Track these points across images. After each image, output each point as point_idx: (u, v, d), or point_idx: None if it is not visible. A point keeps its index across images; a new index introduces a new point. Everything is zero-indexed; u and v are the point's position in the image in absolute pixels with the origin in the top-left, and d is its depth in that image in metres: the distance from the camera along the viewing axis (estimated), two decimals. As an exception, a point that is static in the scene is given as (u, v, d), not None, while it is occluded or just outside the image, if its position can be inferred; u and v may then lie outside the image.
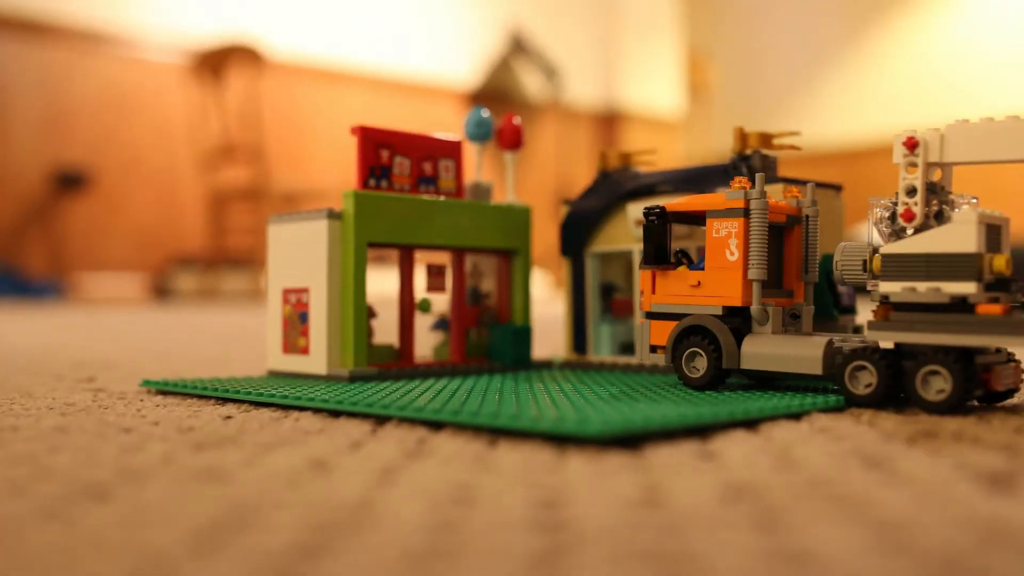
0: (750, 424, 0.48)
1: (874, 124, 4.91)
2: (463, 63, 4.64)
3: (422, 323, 0.78)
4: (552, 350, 1.06)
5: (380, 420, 0.52)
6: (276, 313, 0.74)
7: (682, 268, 0.63)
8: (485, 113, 0.81)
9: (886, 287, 0.53)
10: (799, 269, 0.63)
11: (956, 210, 0.53)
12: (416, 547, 0.27)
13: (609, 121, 5.20)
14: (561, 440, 0.44)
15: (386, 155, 0.73)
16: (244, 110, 3.32)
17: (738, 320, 0.60)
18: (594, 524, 0.29)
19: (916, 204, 0.53)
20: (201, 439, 0.46)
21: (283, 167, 3.87)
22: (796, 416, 0.51)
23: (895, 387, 0.53)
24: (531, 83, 4.80)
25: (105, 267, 3.56)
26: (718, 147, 5.89)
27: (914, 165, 0.53)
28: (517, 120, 0.84)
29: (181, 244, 3.74)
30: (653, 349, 0.63)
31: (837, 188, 0.73)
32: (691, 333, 0.61)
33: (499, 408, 0.50)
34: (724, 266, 0.60)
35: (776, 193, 0.67)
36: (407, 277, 0.74)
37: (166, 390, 0.67)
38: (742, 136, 0.71)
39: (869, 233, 0.56)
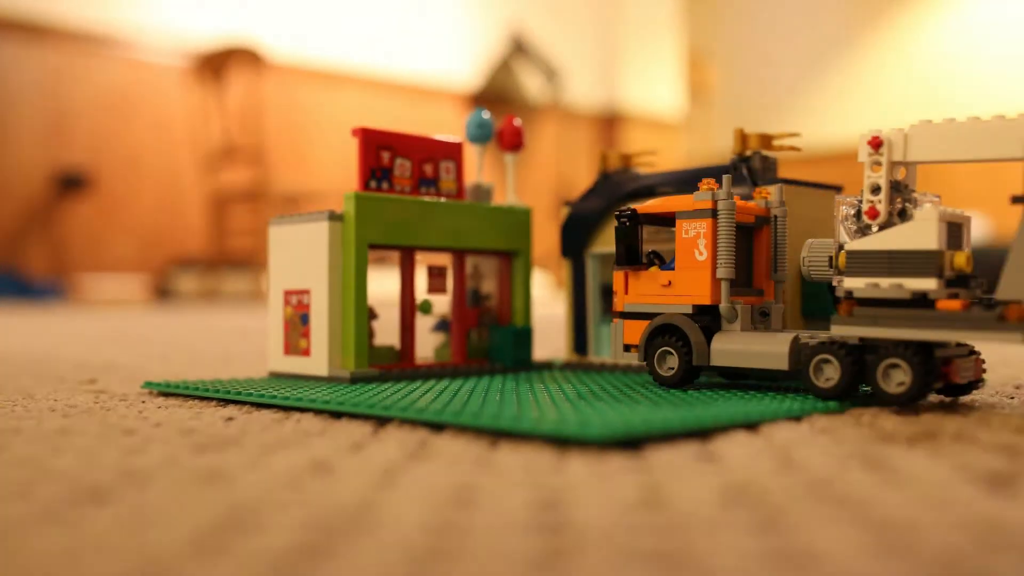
0: (750, 426, 0.48)
1: (874, 125, 4.90)
2: (464, 65, 4.64)
3: (423, 324, 0.78)
4: (553, 351, 1.06)
5: (381, 421, 0.52)
6: (277, 314, 0.74)
7: (653, 268, 0.64)
8: (486, 114, 0.81)
9: (850, 283, 0.54)
10: (768, 268, 0.64)
11: (918, 208, 0.54)
12: (417, 548, 0.27)
13: (609, 122, 5.20)
14: (562, 442, 0.44)
15: (387, 157, 0.73)
16: (245, 112, 3.32)
17: (708, 318, 0.62)
18: (595, 526, 0.29)
19: (880, 202, 0.54)
20: (203, 441, 0.46)
21: (284, 168, 3.87)
22: (796, 418, 0.51)
23: (858, 380, 0.54)
24: (532, 84, 4.80)
25: (106, 268, 3.57)
26: (718, 148, 5.89)
27: (878, 164, 0.55)
28: (518, 121, 0.84)
29: (182, 245, 3.74)
30: (627, 348, 0.65)
31: (837, 189, 0.73)
32: (662, 332, 0.63)
33: (500, 410, 0.50)
34: (693, 266, 0.62)
35: (775, 193, 0.68)
36: (408, 278, 0.75)
37: (168, 392, 0.67)
38: (742, 137, 0.71)
39: (836, 230, 0.57)
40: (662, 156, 1.17)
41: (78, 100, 3.51)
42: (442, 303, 0.79)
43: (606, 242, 0.79)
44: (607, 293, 0.81)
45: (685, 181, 0.74)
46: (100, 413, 0.57)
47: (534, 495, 0.33)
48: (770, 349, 0.58)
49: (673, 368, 0.62)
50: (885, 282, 0.53)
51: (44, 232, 3.46)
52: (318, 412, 0.56)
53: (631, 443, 0.43)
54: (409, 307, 0.74)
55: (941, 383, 0.54)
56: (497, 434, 0.46)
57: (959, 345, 0.55)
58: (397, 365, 0.73)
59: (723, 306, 0.61)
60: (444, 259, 0.78)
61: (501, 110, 4.32)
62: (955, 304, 0.51)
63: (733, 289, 0.62)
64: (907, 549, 0.26)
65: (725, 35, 6.01)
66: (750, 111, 5.76)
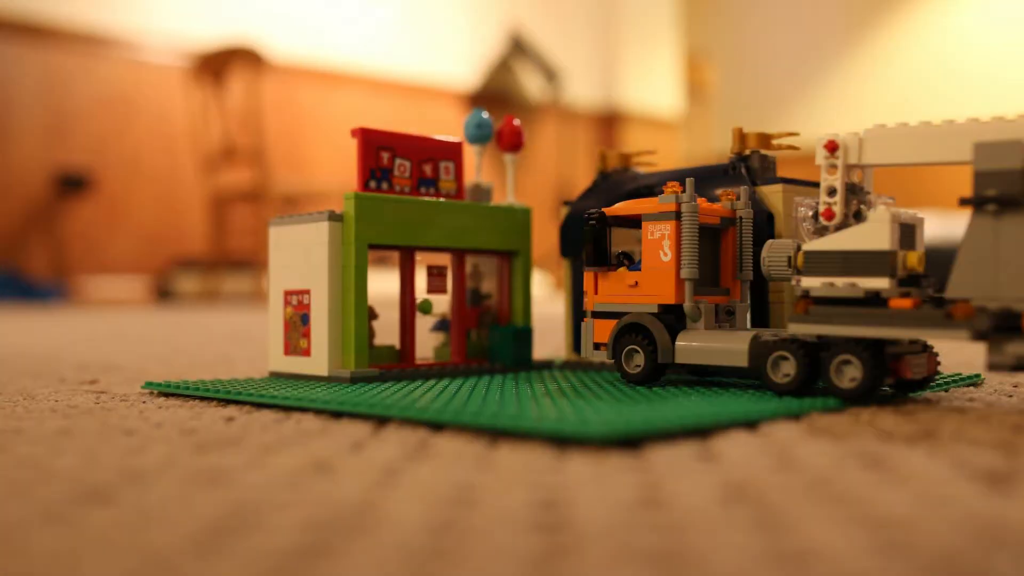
0: (750, 425, 0.48)
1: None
2: (463, 65, 4.64)
3: (423, 324, 0.78)
4: (552, 351, 1.06)
5: (381, 421, 0.52)
6: (277, 315, 0.74)
7: (622, 269, 0.66)
8: (485, 115, 0.81)
9: (807, 282, 0.56)
10: (734, 268, 0.66)
11: (872, 210, 0.55)
12: (417, 548, 0.27)
13: (609, 122, 5.20)
14: (562, 441, 0.44)
15: (386, 157, 0.73)
16: (245, 112, 3.32)
17: (672, 317, 0.64)
18: (595, 524, 0.29)
19: (836, 204, 0.56)
20: (203, 441, 0.46)
21: (284, 169, 3.87)
22: (795, 416, 0.51)
23: (813, 376, 0.56)
24: (531, 84, 4.80)
25: (107, 269, 3.57)
26: (717, 147, 5.89)
27: (834, 167, 0.56)
28: (517, 121, 0.84)
29: (182, 246, 3.74)
30: (596, 346, 0.67)
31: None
32: (630, 331, 0.64)
33: (500, 409, 0.50)
34: (659, 266, 0.64)
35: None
36: (408, 278, 0.75)
37: (168, 392, 0.67)
38: (741, 136, 0.71)
39: (794, 230, 0.59)
40: (661, 156, 1.17)
41: (79, 101, 3.52)
42: (442, 303, 0.79)
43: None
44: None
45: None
46: (101, 413, 0.57)
47: (534, 494, 0.33)
48: (730, 347, 0.60)
49: (640, 366, 0.64)
50: (840, 281, 0.55)
51: (45, 233, 3.46)
52: (318, 412, 0.56)
53: (631, 442, 0.43)
54: (409, 307, 0.75)
55: (892, 379, 0.55)
56: (497, 433, 0.46)
57: (913, 342, 0.56)
58: (397, 365, 0.73)
59: (687, 305, 0.63)
60: (444, 259, 0.78)
61: (500, 110, 4.32)
62: (906, 302, 0.52)
63: (699, 288, 0.64)
64: (906, 547, 0.26)
65: (724, 35, 6.01)
66: (749, 111, 5.76)
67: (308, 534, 0.28)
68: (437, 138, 0.77)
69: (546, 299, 3.48)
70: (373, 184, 0.72)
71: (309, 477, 0.37)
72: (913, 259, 0.54)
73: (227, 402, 0.62)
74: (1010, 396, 0.60)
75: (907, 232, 0.55)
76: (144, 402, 0.63)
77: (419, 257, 0.76)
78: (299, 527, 0.29)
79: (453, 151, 0.78)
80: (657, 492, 0.33)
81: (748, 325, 0.67)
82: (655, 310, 0.64)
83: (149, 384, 0.69)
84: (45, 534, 0.29)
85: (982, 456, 0.39)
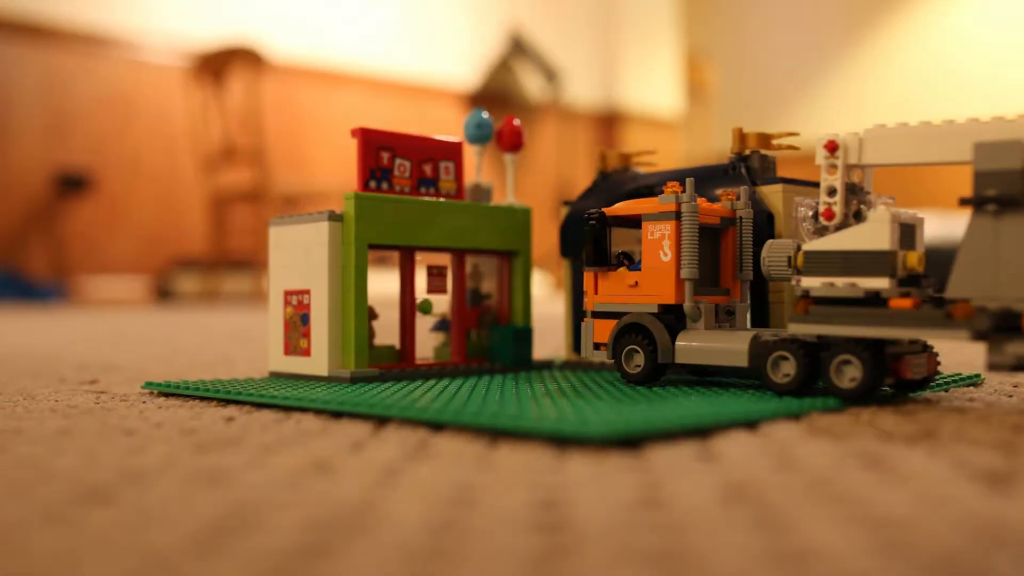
0: (750, 425, 0.48)
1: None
2: (463, 65, 4.64)
3: (423, 324, 0.78)
4: (552, 351, 1.06)
5: (381, 421, 0.52)
6: (277, 315, 0.74)
7: (622, 269, 0.66)
8: (485, 115, 0.81)
9: (807, 282, 0.56)
10: (734, 268, 0.66)
11: (872, 210, 0.56)
12: (417, 548, 0.27)
13: (609, 122, 5.20)
14: (562, 441, 0.44)
15: (386, 157, 0.73)
16: (245, 112, 3.32)
17: (672, 317, 0.64)
18: (595, 524, 0.29)
19: (836, 204, 0.56)
20: (203, 441, 0.46)
21: (284, 169, 3.87)
22: (795, 416, 0.51)
23: (813, 376, 0.56)
24: (531, 84, 4.80)
25: (107, 269, 3.57)
26: (717, 147, 5.89)
27: (834, 167, 0.56)
28: (517, 121, 0.84)
29: (182, 246, 3.74)
30: (596, 346, 0.67)
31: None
32: (630, 331, 0.64)
33: (500, 409, 0.50)
34: (659, 266, 0.64)
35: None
36: (408, 278, 0.75)
37: (168, 392, 0.67)
38: (741, 136, 0.71)
39: (794, 230, 0.59)
40: (661, 156, 1.17)
41: (79, 101, 3.52)
42: (442, 303, 0.79)
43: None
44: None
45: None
46: (101, 413, 0.57)
47: (534, 494, 0.33)
48: (730, 346, 0.60)
49: (640, 366, 0.64)
50: (840, 281, 0.55)
51: (45, 233, 3.46)
52: (318, 412, 0.56)
53: (631, 442, 0.43)
54: (409, 307, 0.75)
55: (892, 379, 0.55)
56: (497, 433, 0.46)
57: (913, 342, 0.56)
58: (397, 365, 0.73)
59: (687, 305, 0.63)
60: (444, 259, 0.78)
61: (500, 110, 4.32)
62: (906, 302, 0.52)
63: (699, 288, 0.64)
64: (906, 547, 0.26)
65: (724, 35, 6.01)
66: (749, 111, 5.76)
67: (308, 534, 0.28)
68: (437, 138, 0.77)
69: (546, 299, 3.48)
70: (373, 184, 0.72)
71: (309, 477, 0.37)
72: (913, 259, 0.54)
73: (227, 402, 0.62)
74: (1010, 396, 0.60)
75: (907, 232, 0.55)
76: (144, 402, 0.63)
77: (419, 257, 0.76)
78: (299, 527, 0.29)
79: (453, 151, 0.78)
80: (657, 492, 0.33)
81: (748, 325, 0.67)
82: (655, 310, 0.64)
83: (149, 384, 0.69)
84: (45, 534, 0.29)
85: (982, 456, 0.39)
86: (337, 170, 4.12)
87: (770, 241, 0.60)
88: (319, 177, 3.99)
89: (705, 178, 0.73)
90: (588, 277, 0.68)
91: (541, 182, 4.78)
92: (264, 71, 3.34)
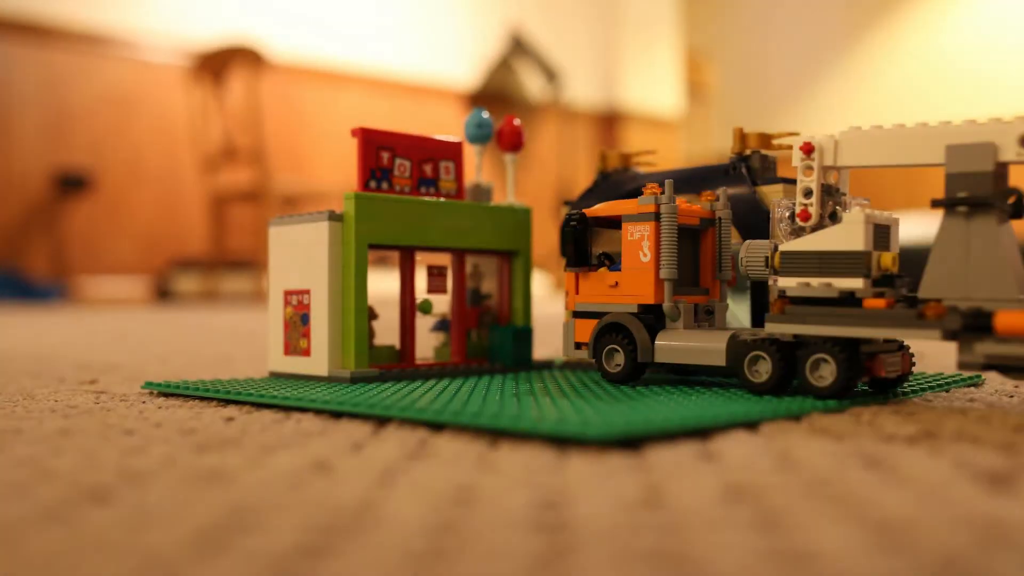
0: (750, 425, 0.48)
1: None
2: (463, 64, 4.64)
3: (423, 324, 0.78)
4: (552, 351, 1.06)
5: (381, 421, 0.52)
6: (277, 315, 0.74)
7: (602, 269, 0.67)
8: (485, 114, 0.81)
9: (783, 282, 0.57)
10: (714, 268, 0.67)
11: (847, 211, 0.56)
12: (417, 548, 0.27)
13: (609, 122, 5.20)
14: (562, 441, 0.44)
15: (387, 157, 0.73)
16: (245, 112, 3.32)
17: (652, 317, 0.65)
18: (595, 525, 0.29)
19: (812, 205, 0.57)
20: (203, 441, 0.46)
21: (284, 169, 3.87)
22: (796, 417, 0.51)
23: (789, 376, 0.57)
24: (531, 84, 4.80)
25: (107, 269, 3.57)
26: (717, 147, 5.89)
27: (810, 168, 0.57)
28: (517, 121, 0.84)
29: (182, 246, 3.74)
30: (578, 346, 0.68)
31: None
32: (610, 330, 0.65)
33: (500, 409, 0.50)
34: (638, 267, 0.65)
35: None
36: (408, 278, 0.75)
37: (168, 392, 0.67)
38: (741, 136, 0.71)
39: (772, 231, 0.60)
40: (661, 156, 1.17)
41: (78, 100, 3.52)
42: (442, 303, 0.79)
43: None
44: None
45: (684, 181, 0.74)
46: (100, 413, 0.57)
47: (534, 494, 0.33)
48: (708, 346, 0.61)
49: (620, 365, 0.65)
50: (815, 281, 0.56)
51: (45, 233, 3.46)
52: (318, 412, 0.56)
53: (631, 442, 0.43)
54: (409, 307, 0.74)
55: (867, 377, 0.56)
56: (497, 434, 0.46)
57: (888, 341, 0.57)
58: (397, 365, 0.73)
59: (666, 305, 0.63)
60: (444, 259, 0.78)
61: (501, 110, 4.32)
62: (880, 302, 0.53)
63: (679, 288, 0.65)
64: (907, 548, 0.26)
65: (724, 35, 6.01)
66: (749, 111, 5.76)
67: (308, 534, 0.28)
68: (437, 138, 0.77)
69: (546, 299, 3.48)
70: (373, 184, 0.72)
71: (309, 477, 0.37)
72: (887, 260, 0.55)
73: (227, 402, 0.62)
74: (1011, 397, 0.60)
75: (882, 233, 0.56)
76: (144, 402, 0.63)
77: (419, 257, 0.76)
78: (299, 527, 0.29)
79: (453, 151, 0.78)
80: (657, 492, 0.33)
81: (750, 324, 0.68)
82: (635, 310, 0.65)
83: (149, 384, 0.69)
84: (44, 534, 0.29)
85: (983, 457, 0.39)
86: (337, 170, 4.12)
87: (748, 241, 0.61)
88: (319, 177, 3.99)
89: (706, 178, 0.73)
90: (569, 277, 0.69)
91: (541, 182, 4.78)
92: (264, 71, 3.34)
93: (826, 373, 0.54)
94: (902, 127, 0.55)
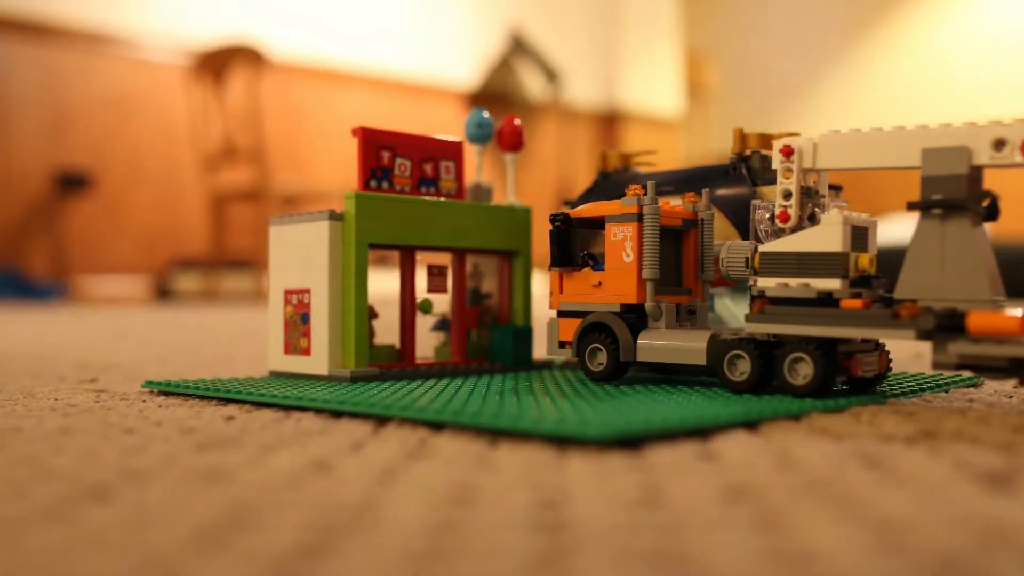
0: (750, 425, 0.48)
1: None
2: (463, 64, 4.64)
3: (423, 324, 0.78)
4: (553, 351, 1.06)
5: (381, 421, 0.52)
6: (277, 314, 0.74)
7: (586, 269, 0.68)
8: (486, 114, 0.81)
9: (763, 283, 0.58)
10: (696, 269, 0.68)
11: (826, 212, 0.57)
12: (417, 547, 0.27)
13: (609, 122, 5.20)
14: (562, 441, 0.44)
15: (387, 156, 0.73)
16: (245, 111, 3.32)
17: (634, 316, 0.65)
18: (595, 524, 0.29)
19: (791, 207, 0.58)
20: (203, 440, 0.46)
21: (284, 168, 3.87)
22: (796, 417, 0.51)
23: (768, 374, 0.57)
24: (531, 84, 4.80)
25: (107, 268, 3.57)
26: (717, 147, 5.89)
27: (790, 171, 0.58)
28: (517, 121, 0.84)
29: (183, 245, 3.74)
30: (561, 345, 0.69)
31: (837, 188, 0.73)
32: (593, 330, 0.66)
33: (500, 409, 0.50)
34: (621, 267, 0.65)
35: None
36: (408, 278, 0.75)
37: (168, 391, 0.67)
38: (741, 137, 0.71)
39: (752, 232, 0.61)
40: (661, 156, 1.17)
41: (78, 100, 3.52)
42: (442, 302, 0.79)
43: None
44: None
45: (685, 181, 0.74)
46: (100, 412, 0.57)
47: (534, 494, 0.33)
48: (689, 345, 0.62)
49: (603, 364, 0.65)
50: (794, 282, 0.56)
51: (45, 232, 3.46)
52: (318, 411, 0.56)
53: (631, 442, 0.43)
54: (409, 306, 0.74)
55: (844, 376, 0.57)
56: (497, 433, 0.46)
57: (865, 341, 0.58)
58: (397, 364, 0.73)
59: (648, 305, 0.64)
60: (444, 259, 0.78)
61: (501, 110, 4.31)
62: (857, 303, 0.54)
63: (660, 289, 0.66)
64: (906, 548, 0.26)
65: (724, 35, 6.01)
66: (749, 111, 5.76)
67: (308, 533, 0.28)
68: (438, 137, 0.77)
69: (546, 299, 3.48)
70: (373, 183, 0.72)
71: (309, 476, 0.37)
72: (865, 261, 0.56)
73: (227, 401, 0.62)
74: (1010, 397, 0.60)
75: (859, 235, 0.57)
76: (144, 401, 0.63)
77: (419, 256, 0.76)
78: (299, 526, 0.29)
79: (454, 150, 0.78)
80: (657, 492, 0.33)
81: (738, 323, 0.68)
82: (618, 309, 0.65)
83: (149, 383, 0.69)
84: (44, 533, 0.29)
85: (983, 457, 0.39)
86: (337, 169, 4.12)
87: (729, 242, 0.62)
88: (319, 177, 3.99)
89: (706, 178, 0.73)
90: (554, 277, 0.69)
91: (541, 182, 4.78)
92: (264, 70, 3.34)
93: (804, 372, 0.55)
94: (880, 130, 0.56)
